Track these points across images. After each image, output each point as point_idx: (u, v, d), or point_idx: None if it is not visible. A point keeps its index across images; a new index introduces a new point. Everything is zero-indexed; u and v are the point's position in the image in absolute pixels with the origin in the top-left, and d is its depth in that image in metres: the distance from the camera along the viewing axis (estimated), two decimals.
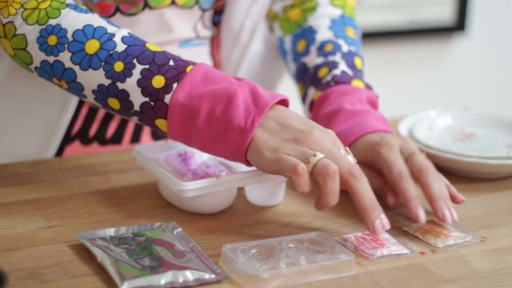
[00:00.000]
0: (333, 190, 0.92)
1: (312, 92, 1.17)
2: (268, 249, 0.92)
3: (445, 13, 2.45)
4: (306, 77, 1.20)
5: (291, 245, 0.93)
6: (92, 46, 1.01)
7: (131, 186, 1.11)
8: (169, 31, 1.22)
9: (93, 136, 1.27)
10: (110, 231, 0.95)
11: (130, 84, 1.00)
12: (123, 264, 0.87)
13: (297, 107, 1.22)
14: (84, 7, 1.06)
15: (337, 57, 1.19)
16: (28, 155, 1.22)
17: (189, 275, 0.87)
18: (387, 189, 1.04)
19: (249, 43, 1.28)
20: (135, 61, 1.00)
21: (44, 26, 1.03)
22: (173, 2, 1.20)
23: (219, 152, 0.98)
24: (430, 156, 1.15)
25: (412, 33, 2.44)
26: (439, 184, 1.01)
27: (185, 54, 1.24)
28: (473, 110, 1.31)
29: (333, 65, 1.18)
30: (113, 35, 1.02)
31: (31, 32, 1.03)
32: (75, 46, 1.02)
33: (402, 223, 1.02)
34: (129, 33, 1.03)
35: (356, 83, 1.16)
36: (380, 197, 1.04)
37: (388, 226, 0.95)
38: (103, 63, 1.01)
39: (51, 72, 1.04)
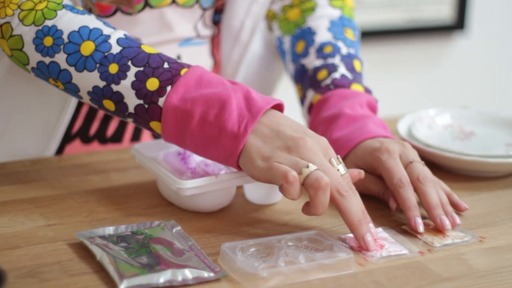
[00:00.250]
0: (323, 202, 0.92)
1: (311, 95, 1.17)
2: (267, 248, 0.92)
3: (444, 11, 2.45)
4: (305, 79, 1.20)
5: (290, 244, 0.93)
6: (87, 47, 1.01)
7: (130, 184, 1.11)
8: (169, 30, 1.22)
9: (94, 135, 1.26)
10: (109, 230, 0.95)
11: (125, 86, 1.00)
12: (121, 263, 0.87)
13: (296, 107, 1.22)
14: (81, 8, 1.06)
15: (336, 60, 1.19)
16: (28, 155, 1.22)
17: (188, 274, 0.87)
18: (388, 194, 1.04)
19: (249, 43, 1.28)
20: (129, 63, 1.00)
21: (40, 27, 1.03)
22: (173, 1, 1.20)
23: (212, 156, 0.98)
24: (429, 155, 1.16)
25: (411, 31, 2.44)
26: (436, 192, 1.01)
27: (186, 53, 1.24)
28: (473, 108, 1.31)
29: (332, 68, 1.18)
30: (108, 36, 1.02)
31: (28, 33, 1.03)
32: (70, 47, 1.02)
33: (401, 221, 1.02)
34: (125, 34, 1.03)
35: (356, 87, 1.16)
36: (382, 201, 1.05)
37: (377, 235, 0.95)
38: (98, 65, 1.01)
39: (47, 73, 1.04)
